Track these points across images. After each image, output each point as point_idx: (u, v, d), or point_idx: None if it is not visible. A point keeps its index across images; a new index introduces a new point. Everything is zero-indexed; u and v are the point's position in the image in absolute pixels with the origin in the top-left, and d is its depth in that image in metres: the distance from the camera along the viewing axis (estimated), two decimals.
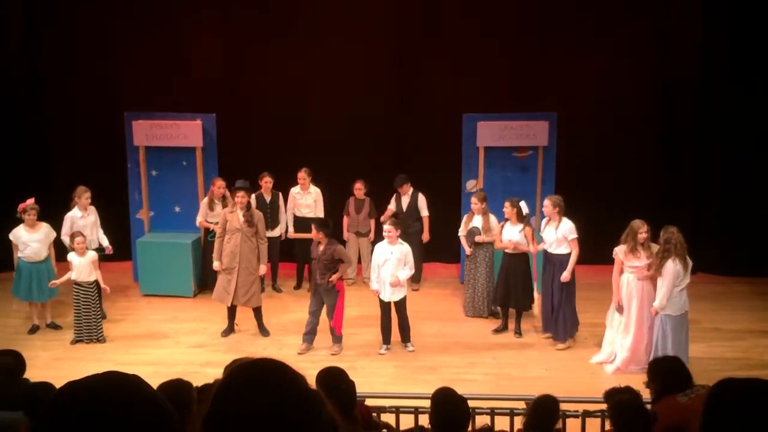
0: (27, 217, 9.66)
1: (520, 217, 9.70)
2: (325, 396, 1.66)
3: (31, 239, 9.71)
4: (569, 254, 9.27)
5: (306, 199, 11.40)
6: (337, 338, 9.31)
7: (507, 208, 9.73)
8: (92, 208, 10.24)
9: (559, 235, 9.26)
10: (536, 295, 9.69)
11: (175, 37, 12.11)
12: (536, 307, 9.78)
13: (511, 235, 9.69)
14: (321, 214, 11.18)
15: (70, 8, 12.06)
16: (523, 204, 9.74)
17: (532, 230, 9.77)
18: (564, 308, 9.38)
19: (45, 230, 9.82)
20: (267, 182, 11.20)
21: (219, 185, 10.86)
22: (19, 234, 9.72)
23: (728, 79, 11.50)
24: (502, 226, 9.84)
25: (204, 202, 10.96)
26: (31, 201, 9.74)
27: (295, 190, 11.44)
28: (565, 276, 9.24)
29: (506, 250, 9.75)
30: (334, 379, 4.68)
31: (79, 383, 1.50)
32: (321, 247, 9.14)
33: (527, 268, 9.81)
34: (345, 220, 11.59)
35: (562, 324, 9.41)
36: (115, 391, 1.48)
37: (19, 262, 9.78)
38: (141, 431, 1.44)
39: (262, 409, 1.53)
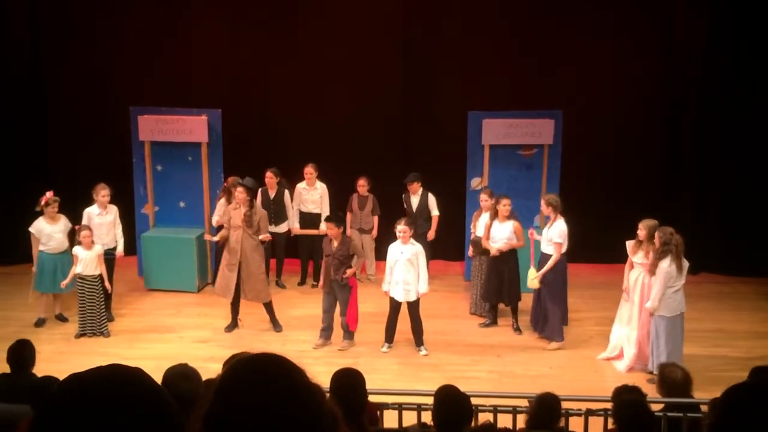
0: (49, 209, 9.68)
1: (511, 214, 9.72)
2: (335, 395, 1.67)
3: (54, 231, 9.76)
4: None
5: (312, 195, 11.41)
6: (349, 334, 9.32)
7: (506, 206, 9.68)
8: (113, 207, 10.20)
9: (548, 235, 9.25)
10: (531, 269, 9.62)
11: (180, 32, 12.10)
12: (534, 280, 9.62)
13: (502, 232, 9.68)
14: (327, 210, 11.19)
15: (74, 4, 12.08)
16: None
17: (520, 226, 9.74)
18: (551, 309, 9.33)
19: (64, 221, 9.88)
20: (270, 178, 11.19)
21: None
22: (42, 227, 9.74)
23: (732, 78, 11.46)
24: (490, 226, 9.78)
25: (221, 203, 10.88)
26: (50, 194, 9.76)
27: (301, 186, 11.44)
28: (537, 275, 9.22)
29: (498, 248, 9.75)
30: (349, 381, 4.62)
31: (81, 375, 1.51)
32: (335, 244, 9.11)
33: (515, 263, 9.80)
34: (348, 216, 11.58)
35: (550, 324, 9.38)
36: (117, 383, 1.49)
37: (41, 255, 9.78)
38: (142, 424, 1.45)
39: (263, 403, 1.53)
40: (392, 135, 12.13)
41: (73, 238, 9.79)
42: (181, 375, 4.33)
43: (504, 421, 5.91)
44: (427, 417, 5.39)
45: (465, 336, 9.81)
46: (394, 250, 9.17)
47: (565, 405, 5.38)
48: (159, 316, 10.42)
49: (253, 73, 12.27)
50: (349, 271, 9.09)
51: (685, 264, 8.38)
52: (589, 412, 5.85)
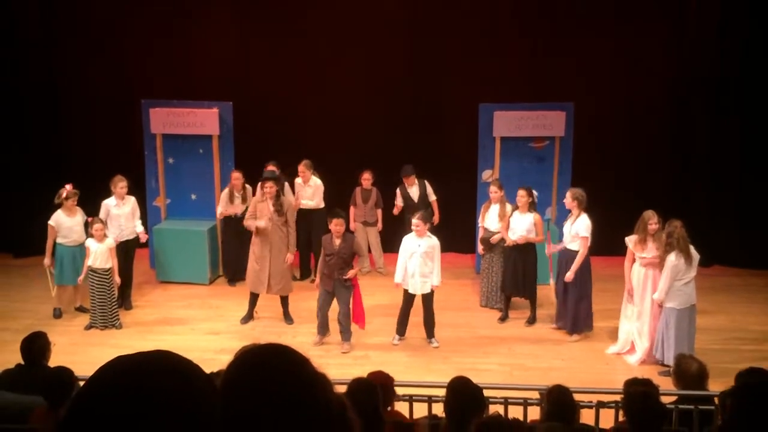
0: (69, 202, 9.74)
1: (533, 206, 9.68)
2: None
3: (74, 224, 9.83)
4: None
5: (306, 192, 11.35)
6: (347, 335, 9.15)
7: (523, 197, 9.67)
8: (130, 198, 10.29)
9: (573, 230, 9.18)
10: (551, 282, 9.55)
11: (191, 26, 12.11)
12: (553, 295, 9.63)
13: (521, 224, 9.66)
14: (321, 203, 11.12)
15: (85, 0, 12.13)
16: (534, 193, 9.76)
17: (540, 219, 9.74)
18: (579, 303, 9.31)
19: (81, 214, 9.95)
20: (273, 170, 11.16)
21: (236, 177, 10.85)
22: (62, 220, 9.78)
23: (745, 68, 11.38)
24: (510, 217, 9.78)
25: (224, 193, 10.94)
26: (70, 186, 9.80)
27: (298, 181, 11.41)
28: (568, 276, 9.15)
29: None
30: (363, 392, 4.52)
31: (128, 358, 1.40)
32: (338, 242, 8.97)
33: (533, 256, 9.78)
34: (352, 210, 11.57)
35: (577, 317, 9.35)
36: (165, 370, 1.38)
37: (60, 248, 9.82)
38: (186, 410, 1.34)
39: (267, 392, 1.54)
40: (402, 127, 12.09)
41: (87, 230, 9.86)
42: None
43: (515, 412, 5.91)
44: (437, 409, 5.40)
45: (476, 328, 9.81)
46: (410, 242, 9.11)
47: (576, 397, 5.37)
48: (171, 308, 10.46)
49: (263, 68, 12.26)
50: (351, 272, 9.00)
51: (695, 256, 8.32)
52: (600, 405, 5.84)
